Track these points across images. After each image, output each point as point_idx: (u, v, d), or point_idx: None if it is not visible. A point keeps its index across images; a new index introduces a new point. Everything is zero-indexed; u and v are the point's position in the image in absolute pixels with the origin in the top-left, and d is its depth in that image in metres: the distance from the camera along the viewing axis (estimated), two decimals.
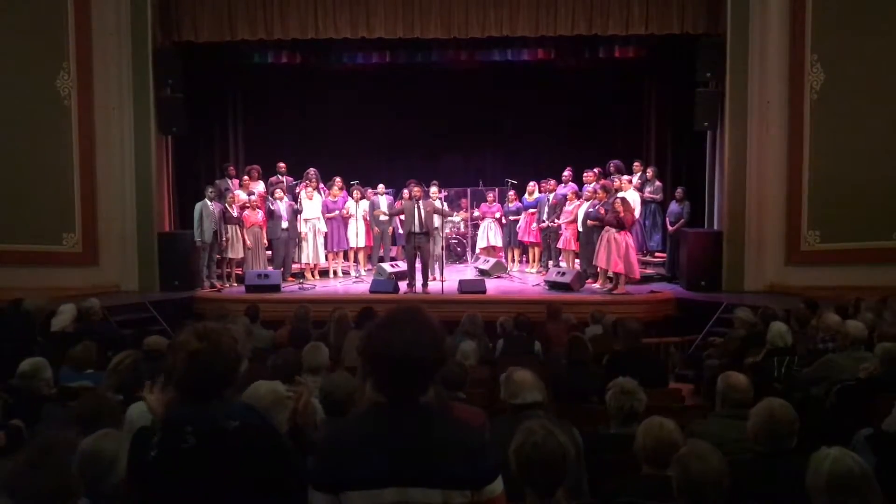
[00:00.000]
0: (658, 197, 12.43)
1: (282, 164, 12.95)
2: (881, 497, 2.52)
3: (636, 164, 12.81)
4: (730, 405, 3.97)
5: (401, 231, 11.99)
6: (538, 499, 2.62)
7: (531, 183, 12.96)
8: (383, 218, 12.46)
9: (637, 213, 11.87)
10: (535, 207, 12.64)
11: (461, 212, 13.93)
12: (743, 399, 3.94)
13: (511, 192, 13.16)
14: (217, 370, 2.23)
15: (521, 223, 12.89)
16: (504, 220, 13.14)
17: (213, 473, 2.17)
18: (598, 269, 11.02)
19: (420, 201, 11.07)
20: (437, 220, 11.58)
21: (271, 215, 11.81)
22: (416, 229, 11.02)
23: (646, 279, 11.78)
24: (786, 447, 3.24)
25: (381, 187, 12.67)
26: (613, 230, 10.63)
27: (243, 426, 2.22)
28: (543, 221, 12.31)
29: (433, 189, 12.28)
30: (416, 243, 11.08)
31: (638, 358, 5.85)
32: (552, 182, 12.50)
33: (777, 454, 3.22)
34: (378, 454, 2.05)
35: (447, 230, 13.13)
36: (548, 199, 12.31)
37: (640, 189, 12.34)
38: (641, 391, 3.84)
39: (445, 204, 12.68)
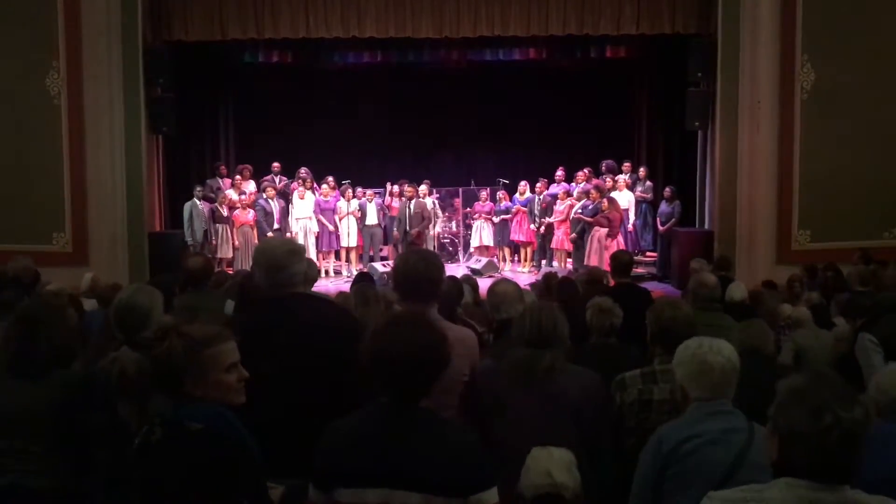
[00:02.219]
0: (649, 196, 12.45)
1: (276, 164, 12.91)
2: None
3: (626, 164, 12.83)
4: (700, 300, 4.59)
5: (395, 230, 12.06)
6: None
7: (522, 182, 12.96)
8: (371, 222, 12.41)
9: (632, 214, 11.91)
10: (525, 206, 12.64)
11: (448, 218, 13.87)
12: (711, 294, 4.70)
13: (501, 192, 13.15)
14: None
15: (513, 222, 12.90)
16: (495, 220, 13.13)
17: (170, 470, 2.18)
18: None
19: (411, 202, 11.10)
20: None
21: (264, 213, 11.78)
22: (409, 228, 11.08)
23: (637, 279, 11.78)
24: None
25: (369, 192, 12.59)
26: (602, 230, 10.69)
27: (206, 431, 2.19)
28: (538, 223, 12.29)
29: (422, 188, 12.27)
30: (409, 240, 11.13)
31: (628, 293, 5.96)
32: (542, 182, 12.50)
33: None
34: (370, 454, 2.07)
35: (438, 229, 13.11)
36: (538, 199, 12.30)
37: (631, 188, 12.37)
38: (617, 307, 4.09)
39: (437, 204, 12.65)
